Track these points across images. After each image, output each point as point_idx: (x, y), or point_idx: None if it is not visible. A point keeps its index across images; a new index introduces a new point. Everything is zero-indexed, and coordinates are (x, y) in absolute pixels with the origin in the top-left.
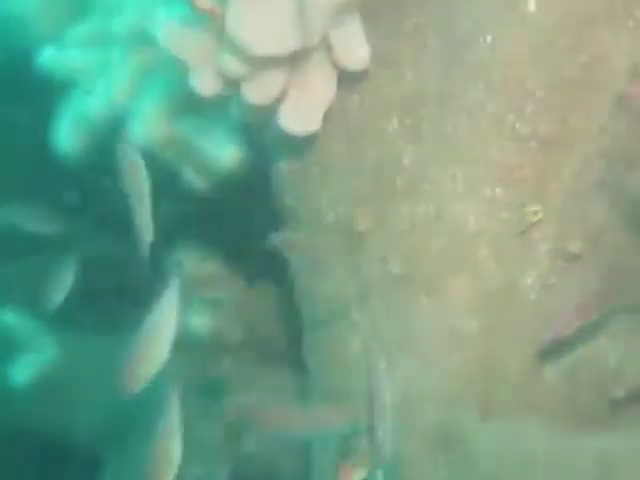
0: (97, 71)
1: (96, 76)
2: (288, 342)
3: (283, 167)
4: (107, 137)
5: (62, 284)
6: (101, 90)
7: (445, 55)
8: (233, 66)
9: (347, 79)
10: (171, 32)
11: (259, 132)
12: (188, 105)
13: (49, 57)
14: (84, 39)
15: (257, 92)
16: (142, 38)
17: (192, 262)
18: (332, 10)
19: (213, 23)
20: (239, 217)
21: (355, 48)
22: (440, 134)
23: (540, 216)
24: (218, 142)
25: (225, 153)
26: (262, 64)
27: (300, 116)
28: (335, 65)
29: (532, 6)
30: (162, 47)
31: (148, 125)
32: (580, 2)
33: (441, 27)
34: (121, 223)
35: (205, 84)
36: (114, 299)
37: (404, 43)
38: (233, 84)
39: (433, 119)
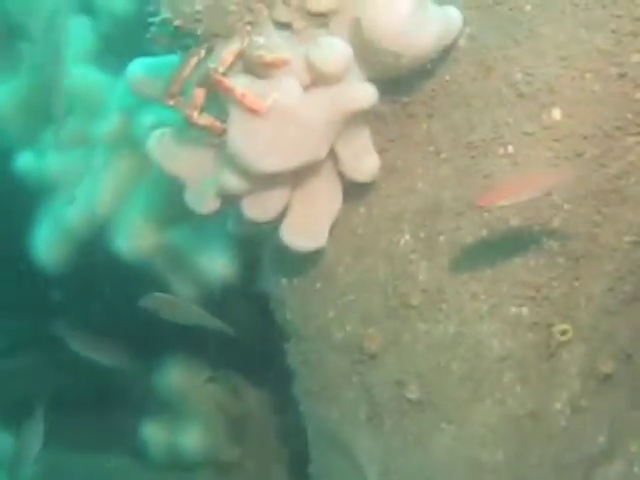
0: (78, 176)
1: (77, 181)
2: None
3: (283, 280)
4: (89, 247)
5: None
6: (83, 198)
7: (461, 164)
8: (234, 183)
9: (353, 188)
10: (163, 146)
11: (256, 243)
12: (178, 212)
13: (26, 161)
14: (63, 141)
15: (259, 209)
16: (126, 142)
17: (181, 375)
18: (341, 122)
19: (210, 137)
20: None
21: (364, 159)
22: (458, 249)
23: (569, 336)
24: (210, 253)
25: (218, 265)
26: (266, 180)
27: (305, 231)
28: (341, 176)
29: (557, 115)
30: (153, 161)
31: (134, 237)
32: (609, 110)
33: (456, 134)
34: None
35: (202, 201)
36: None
37: (414, 150)
38: (232, 200)
39: (450, 233)
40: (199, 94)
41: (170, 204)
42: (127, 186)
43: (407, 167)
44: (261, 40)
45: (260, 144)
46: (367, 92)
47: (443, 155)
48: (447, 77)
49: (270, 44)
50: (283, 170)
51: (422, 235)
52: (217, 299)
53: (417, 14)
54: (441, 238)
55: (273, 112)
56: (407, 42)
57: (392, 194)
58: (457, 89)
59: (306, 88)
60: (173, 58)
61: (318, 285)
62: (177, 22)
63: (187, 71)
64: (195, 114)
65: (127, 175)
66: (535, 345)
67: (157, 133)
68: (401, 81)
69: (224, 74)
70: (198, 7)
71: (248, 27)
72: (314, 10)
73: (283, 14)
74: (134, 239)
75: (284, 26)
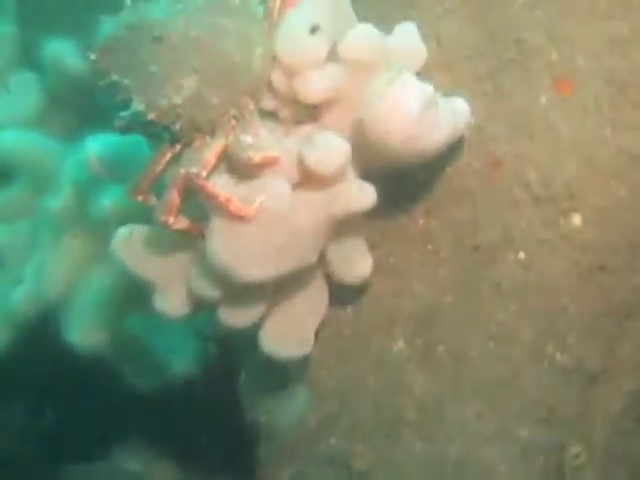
0: (23, 251)
1: (22, 257)
2: None
3: (255, 379)
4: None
5: None
6: (31, 279)
7: (464, 267)
8: (212, 292)
9: (339, 288)
10: (130, 247)
11: (225, 340)
12: (137, 299)
13: None
14: (7, 209)
15: (237, 316)
16: (80, 220)
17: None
18: (334, 225)
19: (183, 238)
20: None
21: (356, 262)
22: (460, 362)
23: (583, 459)
24: (170, 344)
25: (178, 358)
26: (245, 287)
27: (288, 337)
28: (329, 277)
29: (577, 221)
30: (117, 261)
31: (88, 327)
32: (636, 218)
33: (457, 233)
34: None
35: (172, 306)
36: None
37: (409, 247)
38: (207, 306)
39: (450, 343)
40: (175, 198)
41: (129, 290)
42: (80, 269)
43: (401, 265)
44: (248, 139)
45: (245, 253)
46: (366, 194)
47: (442, 254)
48: (448, 169)
49: (259, 143)
50: (269, 279)
51: (418, 343)
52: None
53: (428, 112)
54: (440, 348)
55: (260, 217)
56: (416, 144)
57: (384, 294)
58: (459, 184)
59: (295, 186)
60: (137, 138)
61: (300, 388)
62: (151, 115)
63: (160, 167)
64: (171, 219)
65: (80, 257)
66: (546, 471)
67: (123, 233)
68: (396, 173)
69: (206, 178)
70: (176, 100)
71: (233, 122)
72: (307, 100)
73: (269, 103)
74: (88, 329)
75: (268, 115)
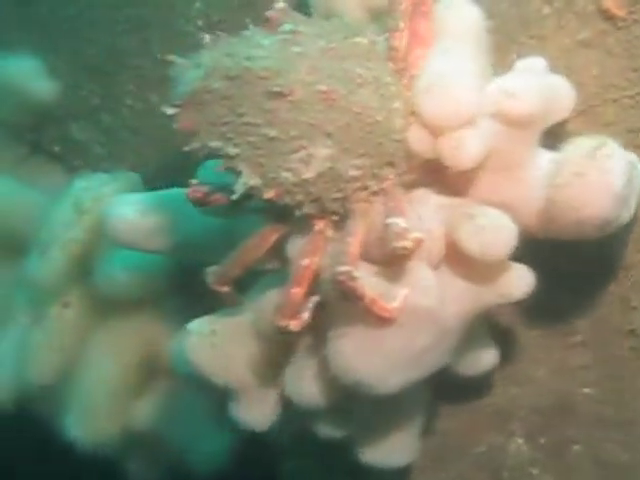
0: None
1: None
2: None
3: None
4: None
5: None
6: (6, 361)
7: (611, 355)
8: (316, 400)
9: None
10: (209, 349)
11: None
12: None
13: None
14: None
15: (343, 426)
16: (75, 286)
17: None
18: (479, 317)
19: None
20: None
21: (481, 354)
22: (605, 467)
23: None
24: (189, 439)
25: (197, 456)
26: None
27: (389, 448)
28: None
29: None
30: (191, 368)
31: (92, 419)
32: None
33: (605, 311)
34: None
35: (259, 417)
36: None
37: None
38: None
39: (589, 443)
40: (299, 297)
41: (140, 373)
42: (76, 348)
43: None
44: (400, 223)
45: (382, 360)
46: (526, 281)
47: (580, 337)
48: None
49: (410, 226)
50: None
51: (542, 441)
52: None
53: (629, 184)
54: (575, 448)
55: (404, 316)
56: (612, 224)
57: (496, 381)
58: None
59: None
60: (177, 193)
61: None
62: (269, 194)
63: (259, 253)
64: (294, 323)
65: (74, 333)
66: None
67: (200, 331)
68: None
69: (355, 277)
70: (307, 174)
71: (371, 199)
72: (459, 166)
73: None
74: (91, 423)
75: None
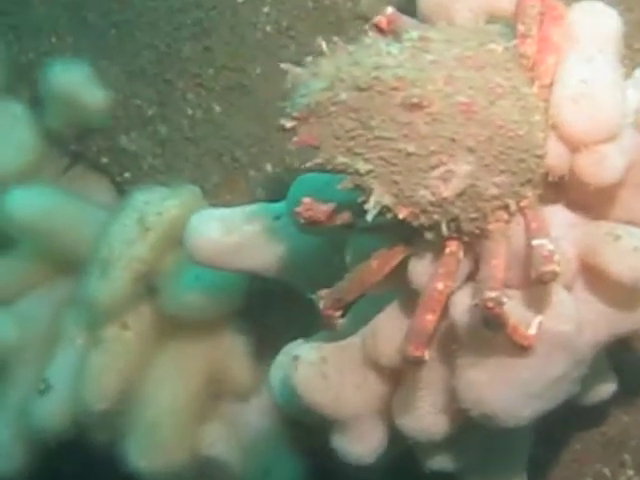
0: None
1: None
2: None
3: None
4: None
5: None
6: (60, 383)
7: None
8: (433, 432)
9: None
10: (319, 380)
11: None
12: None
13: None
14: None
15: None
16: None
17: None
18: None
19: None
20: None
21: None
22: None
23: None
24: (264, 465)
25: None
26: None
27: None
28: None
29: None
30: (300, 400)
31: (156, 448)
32: None
33: None
34: None
35: (370, 449)
36: None
37: None
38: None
39: None
40: (431, 325)
41: (205, 393)
42: (137, 370)
43: None
44: (547, 245)
45: (515, 391)
46: None
47: None
48: None
49: (556, 248)
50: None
51: None
52: None
53: None
54: None
55: (540, 344)
56: None
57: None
58: None
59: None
60: (264, 208)
61: None
62: (403, 213)
63: (379, 276)
64: (427, 354)
65: (136, 354)
66: None
67: (309, 359)
68: None
69: (503, 302)
70: (446, 192)
71: (506, 218)
72: (601, 182)
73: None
74: (160, 451)
75: None
